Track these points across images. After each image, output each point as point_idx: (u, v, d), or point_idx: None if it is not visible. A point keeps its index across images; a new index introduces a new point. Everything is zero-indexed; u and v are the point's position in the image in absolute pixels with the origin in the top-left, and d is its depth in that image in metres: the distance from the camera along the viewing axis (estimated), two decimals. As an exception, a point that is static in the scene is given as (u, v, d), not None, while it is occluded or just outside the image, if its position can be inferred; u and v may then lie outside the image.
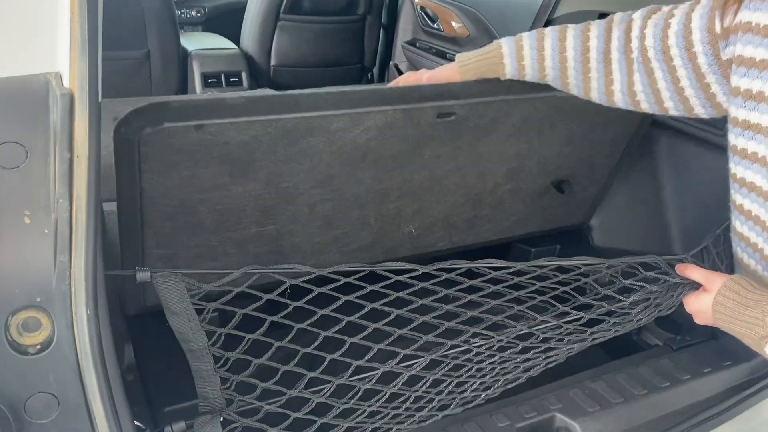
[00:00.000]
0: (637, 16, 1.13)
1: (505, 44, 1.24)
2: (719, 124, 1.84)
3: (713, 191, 1.50)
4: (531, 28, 2.41)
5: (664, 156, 2.03)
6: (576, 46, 1.16)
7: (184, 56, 3.09)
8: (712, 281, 1.00)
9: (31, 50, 0.87)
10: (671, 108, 1.12)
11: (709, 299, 0.99)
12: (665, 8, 1.10)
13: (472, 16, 2.90)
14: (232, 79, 3.11)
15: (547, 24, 2.35)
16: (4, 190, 0.76)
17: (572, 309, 1.16)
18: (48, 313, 0.75)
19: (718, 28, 0.99)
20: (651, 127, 2.03)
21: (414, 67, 3.37)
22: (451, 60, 3.09)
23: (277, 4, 3.05)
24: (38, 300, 0.75)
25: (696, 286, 1.07)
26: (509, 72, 1.24)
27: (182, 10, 3.71)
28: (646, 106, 1.15)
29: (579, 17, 2.21)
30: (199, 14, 3.84)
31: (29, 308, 0.75)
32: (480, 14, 2.84)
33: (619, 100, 1.17)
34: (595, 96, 1.19)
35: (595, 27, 1.19)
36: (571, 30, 1.20)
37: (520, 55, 1.22)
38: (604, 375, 1.38)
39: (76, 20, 0.83)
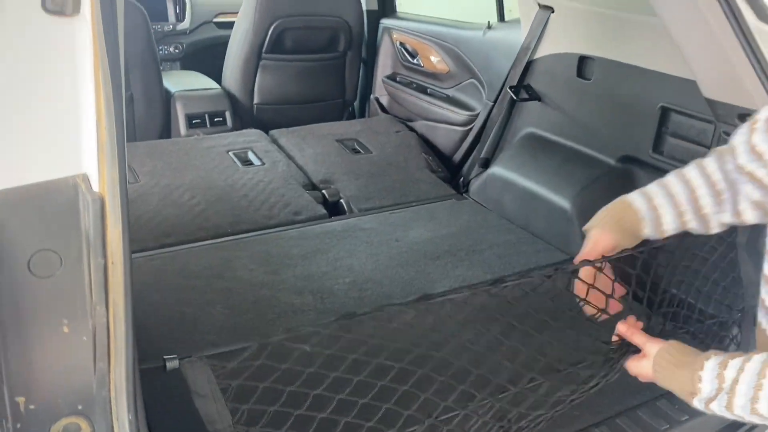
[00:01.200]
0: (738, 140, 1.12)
1: (636, 200, 1.20)
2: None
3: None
4: (512, 68, 2.51)
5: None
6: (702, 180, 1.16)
7: (167, 97, 3.10)
8: (651, 347, 1.08)
9: (56, 153, 0.89)
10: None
11: (648, 364, 1.08)
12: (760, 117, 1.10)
13: (452, 53, 2.96)
14: (216, 119, 3.13)
15: (528, 65, 2.43)
16: (42, 300, 0.78)
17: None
18: (89, 419, 0.77)
19: None
20: (635, 164, 2.11)
21: (394, 100, 3.42)
22: (432, 94, 3.16)
23: (260, 45, 3.08)
24: (79, 407, 0.77)
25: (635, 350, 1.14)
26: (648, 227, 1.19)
27: (160, 47, 3.71)
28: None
29: (558, 59, 2.30)
30: (177, 50, 3.85)
31: (71, 415, 0.77)
32: (460, 51, 2.90)
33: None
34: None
35: (710, 160, 1.17)
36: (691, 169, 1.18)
37: (653, 206, 1.19)
38: (605, 420, 1.43)
39: (103, 127, 0.86)
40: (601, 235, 1.22)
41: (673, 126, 1.96)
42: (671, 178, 1.21)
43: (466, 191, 2.69)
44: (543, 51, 2.37)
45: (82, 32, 0.94)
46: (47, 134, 0.89)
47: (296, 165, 2.73)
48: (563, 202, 2.17)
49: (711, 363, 1.00)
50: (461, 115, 2.92)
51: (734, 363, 0.97)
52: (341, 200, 2.53)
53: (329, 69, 3.36)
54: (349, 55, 3.36)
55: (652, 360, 1.07)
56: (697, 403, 1.10)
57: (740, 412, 0.95)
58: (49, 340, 0.78)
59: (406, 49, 3.30)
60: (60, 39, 0.95)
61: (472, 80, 2.89)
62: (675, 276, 1.52)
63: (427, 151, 2.99)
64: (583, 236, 2.20)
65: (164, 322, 1.71)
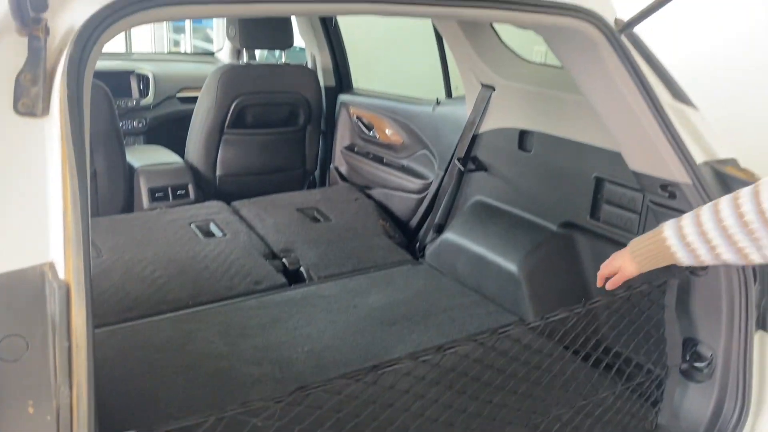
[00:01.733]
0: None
1: (667, 229, 1.34)
2: (633, 230, 2.08)
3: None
4: (459, 141, 2.67)
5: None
6: (731, 213, 1.24)
7: (130, 172, 3.18)
8: (619, 255, 1.46)
9: (24, 243, 0.96)
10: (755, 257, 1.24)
11: (629, 265, 1.42)
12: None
13: (405, 126, 3.13)
14: (178, 192, 3.21)
15: (474, 138, 2.59)
16: (9, 383, 0.84)
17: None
18: (52, 494, 0.82)
19: None
20: (574, 230, 2.26)
21: (353, 169, 3.56)
22: (388, 164, 3.29)
23: (222, 120, 3.20)
24: (43, 484, 0.82)
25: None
26: (681, 257, 1.33)
27: (124, 122, 3.81)
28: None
29: (501, 133, 2.46)
30: (140, 125, 3.95)
31: (34, 491, 0.82)
32: (413, 125, 3.07)
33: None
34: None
35: (743, 194, 1.25)
36: (723, 201, 1.27)
37: (682, 234, 1.30)
38: None
39: (70, 218, 0.94)
40: (630, 268, 1.45)
41: (607, 194, 2.11)
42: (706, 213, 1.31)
43: (422, 256, 2.80)
44: (487, 125, 2.53)
45: (51, 131, 1.04)
46: (16, 226, 0.96)
47: (257, 235, 2.81)
48: (511, 266, 2.28)
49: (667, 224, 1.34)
50: (415, 183, 3.06)
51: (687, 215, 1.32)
52: (301, 268, 2.61)
53: (290, 141, 3.49)
54: (308, 128, 3.51)
55: (629, 258, 1.42)
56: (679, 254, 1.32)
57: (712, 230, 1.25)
58: (14, 421, 0.83)
59: (363, 123, 3.46)
60: (30, 138, 1.04)
61: (425, 151, 3.04)
62: (610, 335, 1.63)
63: (384, 218, 3.10)
64: (530, 298, 2.32)
65: (126, 397, 1.74)
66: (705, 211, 1.30)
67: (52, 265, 0.94)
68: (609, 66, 1.75)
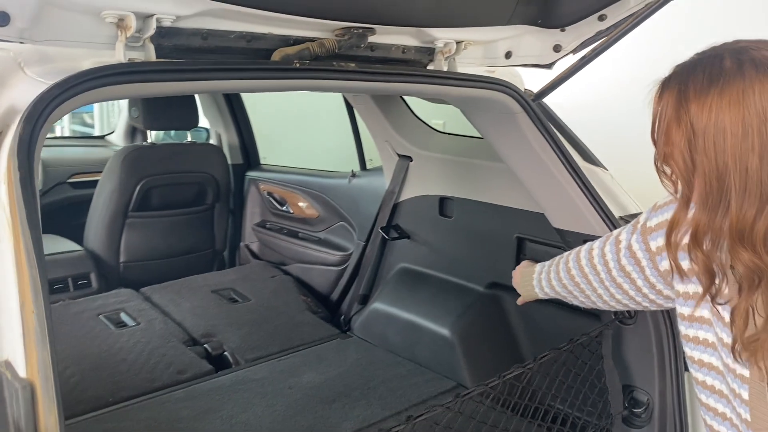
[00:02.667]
0: (596, 245, 1.49)
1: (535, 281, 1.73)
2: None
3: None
4: (380, 210, 2.70)
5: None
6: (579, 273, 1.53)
7: (24, 264, 2.93)
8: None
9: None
10: (646, 305, 1.41)
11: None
12: (613, 236, 1.43)
13: (320, 199, 3.14)
14: (79, 282, 2.99)
15: (395, 207, 2.64)
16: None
17: None
18: None
19: (653, 247, 1.27)
20: (501, 290, 2.32)
21: (266, 246, 3.50)
22: (304, 238, 3.27)
23: (126, 203, 3.06)
24: None
25: None
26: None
27: (11, 212, 3.54)
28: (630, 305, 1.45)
29: (421, 201, 2.53)
30: (29, 213, 3.68)
31: None
32: (328, 198, 3.09)
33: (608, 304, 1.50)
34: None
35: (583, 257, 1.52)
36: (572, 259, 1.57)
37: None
38: None
39: (30, 311, 0.85)
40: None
41: (529, 253, 2.21)
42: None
43: (349, 329, 2.76)
44: (407, 194, 2.60)
45: (2, 223, 0.95)
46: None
47: (174, 321, 2.66)
48: (443, 331, 2.31)
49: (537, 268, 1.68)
50: (335, 255, 3.05)
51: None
52: (225, 352, 2.48)
53: (198, 221, 3.39)
54: (217, 206, 3.43)
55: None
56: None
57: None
58: None
59: (274, 198, 3.44)
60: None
61: (342, 223, 3.06)
62: (551, 391, 1.67)
63: (305, 293, 3.05)
64: (465, 361, 2.34)
65: None
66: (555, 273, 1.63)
67: (8, 364, 0.85)
68: (527, 133, 1.88)
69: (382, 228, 2.65)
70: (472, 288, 2.37)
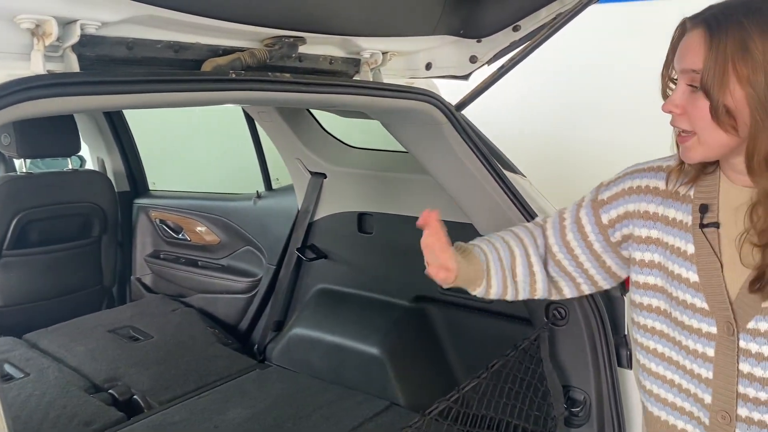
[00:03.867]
0: (532, 226, 1.43)
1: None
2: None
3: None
4: (293, 231, 2.61)
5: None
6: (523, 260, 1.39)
7: None
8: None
9: None
10: (585, 287, 1.38)
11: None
12: (554, 217, 1.39)
13: (221, 223, 2.98)
14: (-54, 336, 2.62)
15: (310, 226, 2.55)
16: None
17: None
18: None
19: (605, 220, 1.27)
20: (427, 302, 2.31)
21: (161, 278, 3.26)
22: (205, 266, 3.09)
23: (0, 241, 2.72)
24: None
25: None
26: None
27: None
28: (567, 291, 1.40)
29: (338, 218, 2.47)
30: None
31: None
32: (231, 221, 2.93)
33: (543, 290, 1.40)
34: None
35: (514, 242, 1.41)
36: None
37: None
38: None
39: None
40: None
41: (454, 262, 2.21)
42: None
43: (265, 358, 2.62)
44: (322, 212, 2.52)
45: None
46: None
47: (69, 368, 2.39)
48: (372, 349, 2.24)
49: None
50: (241, 282, 2.89)
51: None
52: (135, 396, 2.26)
53: (83, 256, 3.09)
54: (104, 238, 3.15)
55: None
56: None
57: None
58: None
59: (168, 226, 3.22)
60: None
61: (248, 247, 2.91)
62: (494, 401, 1.67)
63: (212, 325, 2.86)
64: (396, 378, 2.29)
65: None
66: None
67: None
68: (452, 143, 1.88)
69: (297, 249, 2.55)
70: (398, 303, 2.33)
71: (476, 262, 1.38)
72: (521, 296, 1.41)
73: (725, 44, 0.98)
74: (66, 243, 2.98)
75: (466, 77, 2.03)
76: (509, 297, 1.41)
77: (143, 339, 2.67)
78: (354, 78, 1.73)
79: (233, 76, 1.27)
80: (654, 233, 1.19)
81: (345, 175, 2.42)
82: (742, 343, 1.07)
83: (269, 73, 1.37)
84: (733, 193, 1.10)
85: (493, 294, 1.40)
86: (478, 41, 1.92)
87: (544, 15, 1.83)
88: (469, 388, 1.48)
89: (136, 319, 2.83)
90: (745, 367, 1.07)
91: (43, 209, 2.84)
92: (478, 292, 1.40)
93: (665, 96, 1.10)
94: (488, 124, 2.09)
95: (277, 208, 2.76)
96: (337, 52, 1.65)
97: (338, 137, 2.52)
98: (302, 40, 1.47)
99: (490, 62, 1.99)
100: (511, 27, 1.87)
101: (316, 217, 2.54)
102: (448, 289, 2.22)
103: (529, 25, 1.86)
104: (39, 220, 2.84)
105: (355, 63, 1.70)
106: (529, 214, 1.86)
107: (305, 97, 1.49)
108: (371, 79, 1.73)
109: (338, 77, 1.68)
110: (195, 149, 3.59)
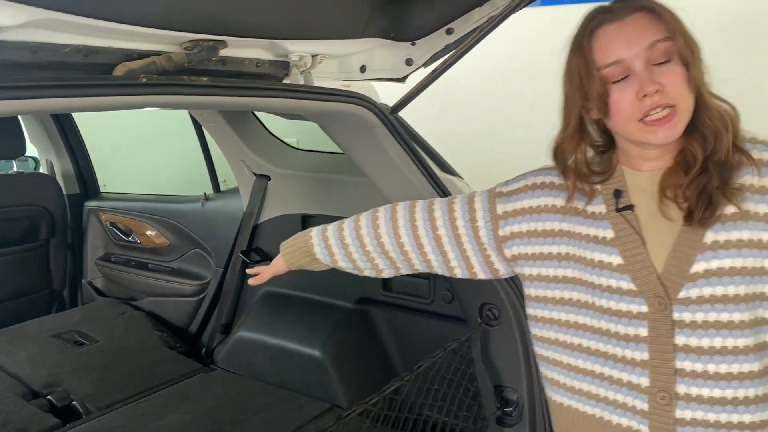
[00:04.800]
0: (418, 205, 1.45)
1: (314, 231, 1.54)
2: (424, 294, 2.20)
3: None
4: (239, 234, 2.59)
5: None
6: (369, 231, 1.47)
7: None
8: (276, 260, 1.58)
9: None
10: (458, 271, 1.39)
11: (280, 264, 1.57)
12: (443, 201, 1.42)
13: (171, 226, 2.95)
14: None
15: (255, 229, 2.54)
16: None
17: None
18: None
19: (500, 211, 1.29)
20: (370, 304, 2.32)
21: (112, 281, 3.23)
22: (155, 269, 3.07)
23: (-61, 245, 2.68)
24: None
25: None
26: (318, 251, 1.52)
27: None
28: (437, 268, 1.41)
29: (283, 220, 2.46)
30: None
31: None
32: (179, 224, 2.91)
33: (417, 266, 1.44)
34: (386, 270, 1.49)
35: (382, 211, 1.49)
36: (363, 219, 1.51)
37: (325, 236, 1.51)
38: None
39: None
40: (279, 263, 1.59)
41: (395, 264, 2.22)
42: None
43: (212, 362, 2.61)
44: (267, 214, 2.51)
45: None
46: None
47: (8, 374, 2.35)
48: (314, 352, 2.24)
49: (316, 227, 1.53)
50: (190, 285, 2.87)
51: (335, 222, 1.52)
52: (74, 402, 2.23)
53: (30, 260, 3.05)
54: (52, 242, 3.11)
55: (281, 258, 1.56)
56: (317, 249, 1.51)
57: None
58: None
59: (118, 228, 3.18)
60: None
61: (197, 250, 2.89)
62: (429, 401, 1.68)
63: (161, 329, 2.84)
64: (338, 380, 2.30)
65: None
66: (348, 223, 1.54)
67: None
68: (385, 145, 1.88)
69: (242, 252, 2.54)
70: (341, 305, 2.33)
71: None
72: (404, 270, 1.49)
73: (671, 16, 1.05)
74: (11, 247, 2.94)
75: (402, 79, 2.04)
76: (389, 273, 1.50)
77: (88, 344, 2.64)
78: (284, 81, 1.73)
79: (144, 80, 1.26)
80: (565, 225, 1.21)
81: (289, 177, 2.42)
82: (675, 315, 1.09)
83: (184, 77, 1.37)
84: (636, 179, 1.15)
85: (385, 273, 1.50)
86: (413, 44, 1.92)
87: (476, 18, 1.84)
88: (391, 390, 1.49)
89: (83, 324, 2.80)
90: (680, 339, 1.09)
91: (-14, 212, 2.80)
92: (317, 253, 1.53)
93: (590, 97, 1.10)
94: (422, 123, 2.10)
95: (224, 210, 2.74)
96: (264, 55, 1.64)
97: (297, 138, 2.52)
98: (223, 44, 1.46)
99: (426, 64, 2.00)
100: (444, 30, 1.88)
101: (261, 220, 2.53)
102: (390, 292, 2.27)
103: (461, 27, 1.87)
104: (-18, 223, 2.80)
105: (284, 66, 1.70)
106: (462, 216, 1.88)
107: (225, 100, 1.48)
108: (302, 82, 1.74)
109: (266, 80, 1.68)
110: (147, 150, 3.55)
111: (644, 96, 1.04)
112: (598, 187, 1.19)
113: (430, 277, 2.15)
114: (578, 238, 1.19)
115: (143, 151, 3.56)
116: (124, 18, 1.24)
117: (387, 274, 1.51)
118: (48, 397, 2.24)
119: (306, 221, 2.41)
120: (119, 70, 1.30)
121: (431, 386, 1.68)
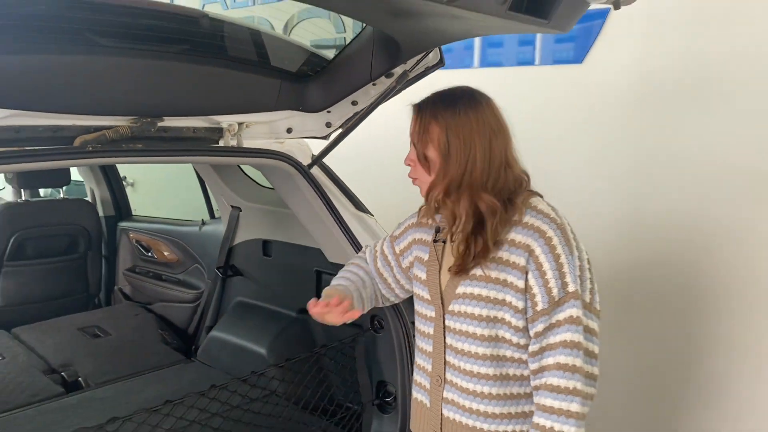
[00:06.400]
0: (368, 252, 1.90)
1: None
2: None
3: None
4: (220, 252, 3.20)
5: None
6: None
7: None
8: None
9: None
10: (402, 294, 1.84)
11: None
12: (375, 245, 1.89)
13: (179, 245, 3.62)
14: (-45, 327, 3.34)
15: (230, 250, 3.15)
16: None
17: None
18: None
19: (398, 250, 1.78)
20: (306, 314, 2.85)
21: (136, 288, 3.93)
22: (166, 280, 3.71)
23: (0, 254, 3.44)
24: None
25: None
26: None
27: None
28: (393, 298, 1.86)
29: (250, 244, 3.06)
30: None
31: None
32: (184, 243, 3.57)
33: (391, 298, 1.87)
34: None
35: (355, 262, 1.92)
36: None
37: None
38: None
39: None
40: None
41: (325, 281, 2.75)
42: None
43: (194, 355, 3.22)
44: (239, 238, 3.12)
45: None
46: None
47: (37, 355, 3.05)
48: (261, 350, 2.81)
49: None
50: (189, 293, 3.52)
51: None
52: (79, 378, 2.89)
53: (71, 268, 3.79)
54: (89, 254, 3.84)
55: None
56: None
57: None
58: None
59: (142, 246, 3.88)
60: None
61: (197, 265, 3.54)
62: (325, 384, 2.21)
63: (164, 328, 3.49)
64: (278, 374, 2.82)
65: None
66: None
67: None
68: (303, 190, 2.44)
69: (219, 268, 3.16)
70: (287, 314, 2.89)
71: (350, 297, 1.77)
72: (373, 305, 1.86)
73: (425, 119, 1.51)
74: (55, 257, 3.69)
75: (326, 137, 2.58)
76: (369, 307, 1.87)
77: (103, 336, 3.33)
78: (219, 143, 2.32)
79: (89, 148, 1.89)
80: (419, 252, 1.70)
81: (254, 209, 3.02)
82: (447, 322, 1.56)
83: (123, 145, 1.98)
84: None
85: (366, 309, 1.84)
86: (328, 111, 2.46)
87: (373, 93, 2.36)
88: (260, 373, 2.04)
89: (103, 321, 3.49)
90: (449, 340, 1.56)
91: (36, 229, 3.56)
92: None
93: None
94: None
95: (215, 233, 3.37)
96: (200, 123, 2.22)
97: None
98: (160, 119, 2.07)
99: (343, 126, 2.54)
100: (348, 100, 2.41)
101: (235, 242, 3.15)
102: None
103: (363, 100, 2.39)
104: (33, 237, 3.56)
105: (218, 131, 2.29)
106: (358, 247, 2.40)
107: (162, 159, 2.10)
108: (234, 143, 2.32)
109: (202, 143, 2.27)
110: (169, 183, 4.27)
111: None
112: (437, 219, 1.67)
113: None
114: (419, 261, 1.68)
115: (168, 182, 4.28)
116: (82, 110, 1.86)
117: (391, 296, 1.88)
118: (62, 373, 2.92)
119: (265, 245, 3.00)
120: (77, 141, 1.92)
121: (309, 373, 2.21)
